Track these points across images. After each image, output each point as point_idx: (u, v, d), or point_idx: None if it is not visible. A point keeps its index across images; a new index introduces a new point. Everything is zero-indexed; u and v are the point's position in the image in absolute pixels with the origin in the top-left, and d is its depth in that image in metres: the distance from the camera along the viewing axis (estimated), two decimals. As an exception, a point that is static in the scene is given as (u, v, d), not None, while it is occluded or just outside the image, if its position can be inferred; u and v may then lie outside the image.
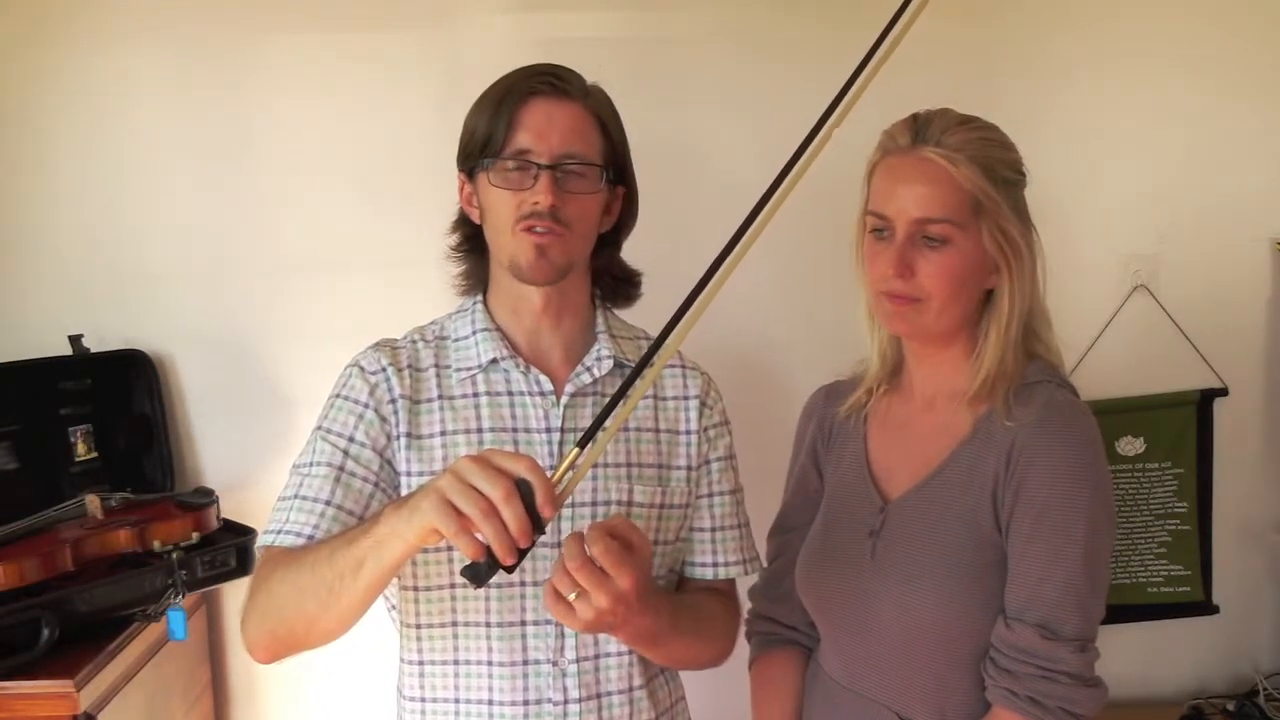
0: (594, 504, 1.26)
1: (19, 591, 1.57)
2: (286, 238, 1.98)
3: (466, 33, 1.95)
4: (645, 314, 1.40)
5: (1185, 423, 2.03)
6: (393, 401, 1.25)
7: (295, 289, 1.98)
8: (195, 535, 1.75)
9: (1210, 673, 2.12)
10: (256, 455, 1.99)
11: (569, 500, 1.16)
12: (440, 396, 1.27)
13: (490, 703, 1.24)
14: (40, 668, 1.54)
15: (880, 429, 1.37)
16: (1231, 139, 2.01)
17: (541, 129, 1.22)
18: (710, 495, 1.35)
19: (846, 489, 1.37)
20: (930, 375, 1.32)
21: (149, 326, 1.98)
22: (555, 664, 1.24)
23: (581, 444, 0.99)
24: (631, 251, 1.38)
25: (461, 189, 1.31)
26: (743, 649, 1.44)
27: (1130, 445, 2.04)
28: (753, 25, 1.96)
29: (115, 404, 1.96)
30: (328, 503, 1.20)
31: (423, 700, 1.27)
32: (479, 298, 1.33)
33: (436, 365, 1.29)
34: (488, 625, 1.23)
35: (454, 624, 1.24)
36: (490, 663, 1.24)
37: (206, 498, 1.82)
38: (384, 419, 1.25)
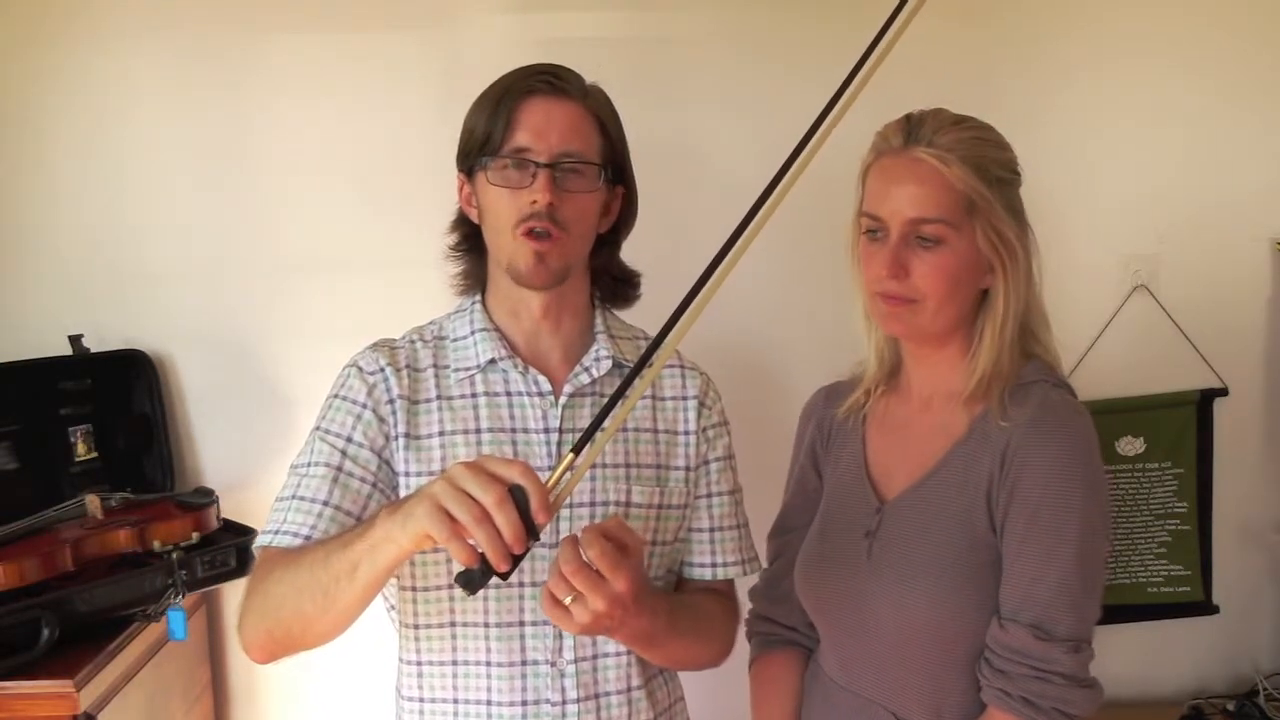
0: (592, 504, 1.26)
1: (19, 591, 1.57)
2: (286, 238, 1.98)
3: (466, 33, 1.95)
4: (645, 314, 1.40)
5: (1185, 423, 2.03)
6: (391, 402, 1.25)
7: (295, 289, 1.98)
8: (195, 535, 1.75)
9: (1210, 673, 2.11)
10: (256, 455, 1.99)
11: (567, 501, 1.16)
12: (439, 397, 1.27)
13: (489, 703, 1.24)
14: (40, 668, 1.54)
15: (878, 430, 1.37)
16: (1231, 139, 2.00)
17: (540, 128, 1.22)
18: (709, 496, 1.35)
19: (844, 490, 1.37)
20: (927, 376, 1.32)
21: (149, 326, 1.98)
22: (553, 664, 1.24)
23: (576, 449, 0.99)
24: (631, 252, 1.38)
25: (460, 189, 1.31)
26: (742, 649, 1.44)
27: (1130, 445, 2.04)
28: (753, 25, 1.96)
29: (115, 404, 1.96)
30: (325, 503, 1.20)
31: (421, 700, 1.27)
32: (477, 298, 1.33)
33: (435, 365, 1.29)
34: (486, 626, 1.23)
35: (452, 624, 1.24)
36: (489, 663, 1.24)
37: (206, 498, 1.83)
38: (382, 419, 1.25)
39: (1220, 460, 2.04)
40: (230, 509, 1.88)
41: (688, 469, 1.33)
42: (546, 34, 1.94)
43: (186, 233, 1.98)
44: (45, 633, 1.56)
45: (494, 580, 0.97)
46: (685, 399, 1.34)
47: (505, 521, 0.93)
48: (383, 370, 1.27)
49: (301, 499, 1.21)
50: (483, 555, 0.94)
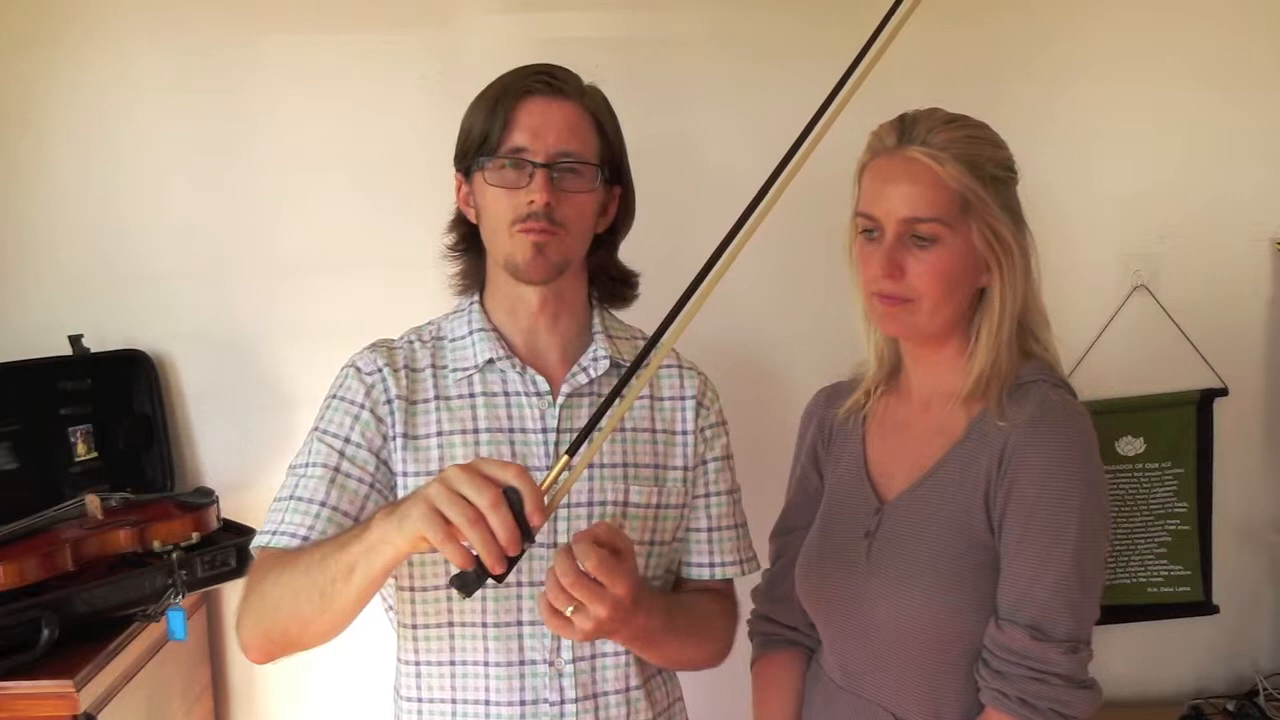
0: (590, 504, 1.26)
1: (19, 591, 1.57)
2: (286, 238, 1.98)
3: (466, 33, 1.95)
4: (643, 314, 1.40)
5: (1185, 423, 2.03)
6: (389, 402, 1.25)
7: (295, 289, 1.99)
8: (195, 535, 1.75)
9: (1210, 673, 2.11)
10: (256, 455, 1.99)
11: (565, 501, 1.16)
12: (436, 397, 1.27)
13: (487, 703, 1.24)
14: (40, 668, 1.55)
15: (878, 430, 1.37)
16: (1231, 139, 2.00)
17: (537, 128, 1.22)
18: (707, 495, 1.35)
19: (844, 490, 1.37)
20: (926, 376, 1.32)
21: (149, 326, 1.99)
22: (552, 664, 1.24)
23: (570, 451, 0.99)
24: (629, 251, 1.38)
25: (458, 189, 1.31)
26: (743, 649, 1.44)
27: (1130, 445, 2.04)
28: (752, 25, 1.96)
29: (115, 404, 1.96)
30: (323, 504, 1.20)
31: (419, 700, 1.27)
32: (476, 298, 1.33)
33: (433, 366, 1.29)
34: (484, 626, 1.23)
35: (450, 624, 1.24)
36: (487, 663, 1.24)
37: (206, 498, 1.83)
38: (380, 420, 1.25)
39: (1220, 460, 2.04)
40: (230, 509, 1.88)
41: (685, 469, 1.33)
42: (546, 34, 1.94)
43: (186, 233, 1.98)
44: (45, 633, 1.56)
45: (491, 580, 0.97)
46: (683, 399, 1.34)
47: (499, 524, 0.93)
48: (380, 371, 1.27)
49: (299, 499, 1.21)
50: (478, 558, 0.94)
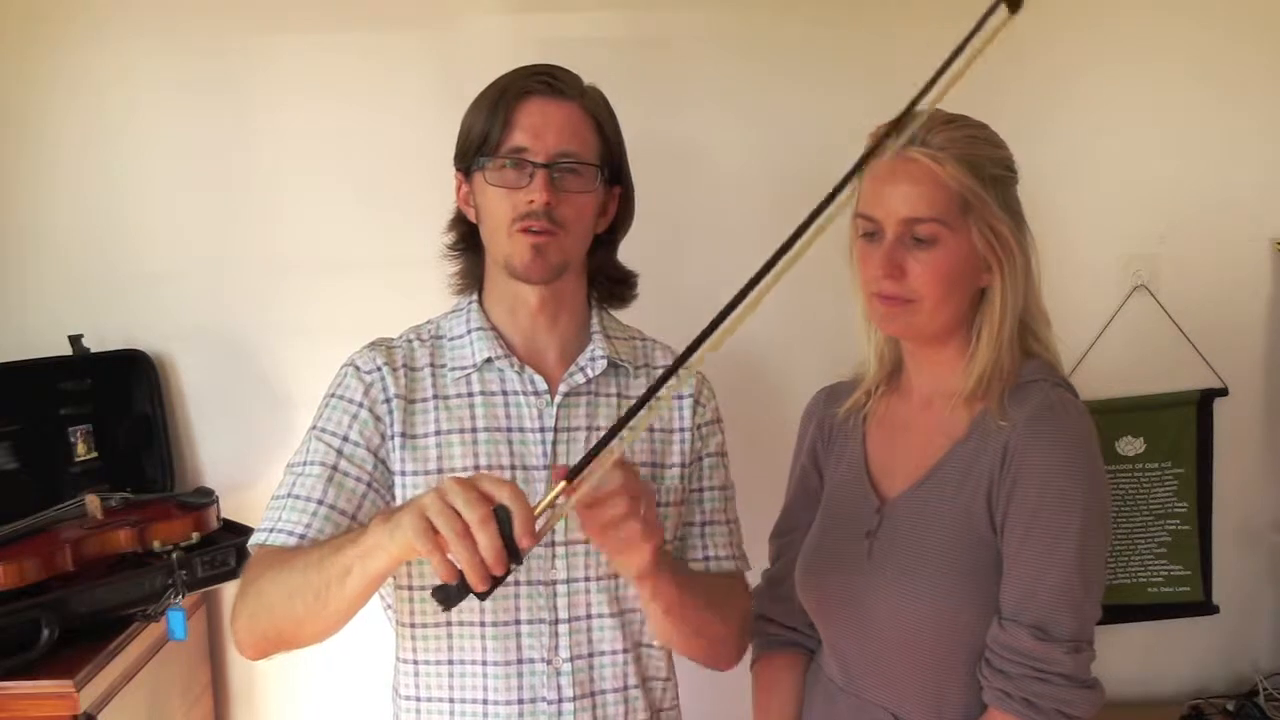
0: None
1: (19, 591, 1.57)
2: (286, 237, 1.98)
3: (466, 33, 1.95)
4: (643, 314, 1.40)
5: (1185, 423, 2.03)
6: (388, 401, 1.25)
7: (295, 289, 1.98)
8: (195, 535, 1.75)
9: (1210, 673, 2.11)
10: (256, 455, 1.99)
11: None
12: (435, 396, 1.27)
13: (485, 702, 1.24)
14: (40, 668, 1.55)
15: (879, 429, 1.37)
16: (1231, 139, 2.00)
17: (537, 128, 1.22)
18: (700, 490, 1.34)
19: (845, 489, 1.37)
20: (927, 375, 1.32)
21: (149, 326, 1.98)
22: (549, 663, 1.25)
23: (570, 477, 0.97)
24: (628, 252, 1.38)
25: (458, 188, 1.31)
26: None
27: (1130, 445, 2.03)
28: (752, 26, 1.96)
29: (115, 404, 1.96)
30: (320, 502, 1.20)
31: (418, 699, 1.27)
32: (474, 297, 1.33)
33: (432, 365, 1.29)
34: (482, 625, 1.24)
35: (448, 623, 1.24)
36: (485, 662, 1.24)
37: (206, 498, 1.83)
38: (378, 418, 1.25)
39: (1220, 460, 2.04)
40: (230, 509, 1.88)
41: (682, 465, 1.33)
42: (546, 34, 1.94)
43: (186, 233, 1.98)
44: (45, 633, 1.56)
45: (474, 597, 0.95)
46: (680, 397, 1.34)
47: (486, 541, 0.92)
48: (379, 369, 1.27)
49: (296, 498, 1.21)
50: (462, 573, 0.93)
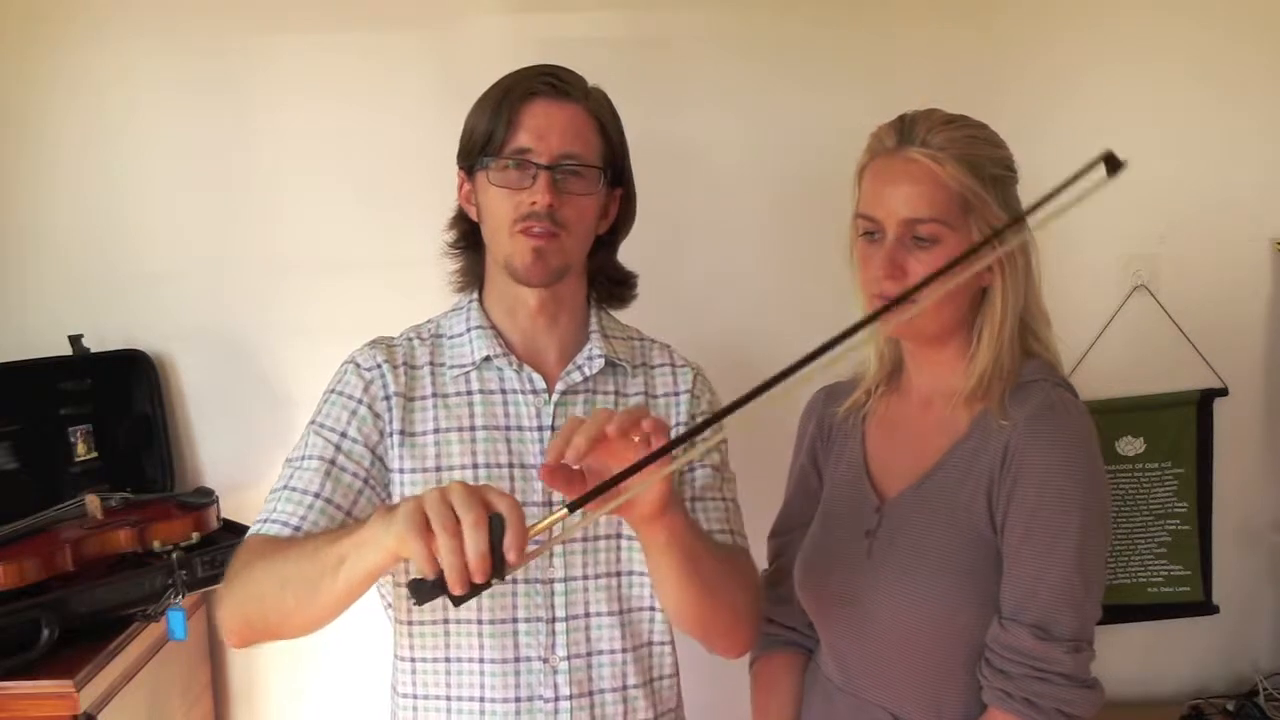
0: None
1: (19, 591, 1.57)
2: (286, 237, 1.98)
3: (466, 33, 1.95)
4: (643, 314, 1.40)
5: (1185, 423, 2.03)
6: (387, 398, 1.26)
7: (295, 288, 1.99)
8: (195, 535, 1.75)
9: (1210, 673, 2.11)
10: (256, 455, 1.99)
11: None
12: (434, 394, 1.27)
13: (482, 699, 1.24)
14: (40, 668, 1.55)
15: (878, 428, 1.37)
16: (1231, 139, 2.00)
17: (541, 129, 1.22)
18: (691, 469, 1.32)
19: (844, 489, 1.37)
20: (927, 375, 1.32)
21: (149, 326, 1.99)
22: (547, 661, 1.24)
23: (572, 507, 0.95)
24: (627, 251, 1.38)
25: (460, 187, 1.31)
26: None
27: (1130, 445, 2.03)
28: (752, 26, 1.96)
29: (115, 404, 1.96)
30: (316, 495, 1.20)
31: (415, 697, 1.27)
32: (474, 296, 1.33)
33: (431, 363, 1.29)
34: (479, 622, 1.24)
35: (445, 621, 1.24)
36: (482, 660, 1.24)
37: (206, 498, 1.83)
38: (377, 415, 1.25)
39: (1220, 460, 2.04)
40: (230, 509, 1.88)
41: (675, 459, 1.32)
42: (546, 34, 1.94)
43: (186, 233, 1.98)
44: (45, 633, 1.56)
45: (447, 599, 0.93)
46: (677, 394, 1.34)
47: (473, 543, 0.90)
48: (380, 367, 1.27)
49: (293, 490, 1.21)
50: (442, 572, 0.92)
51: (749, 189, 1.99)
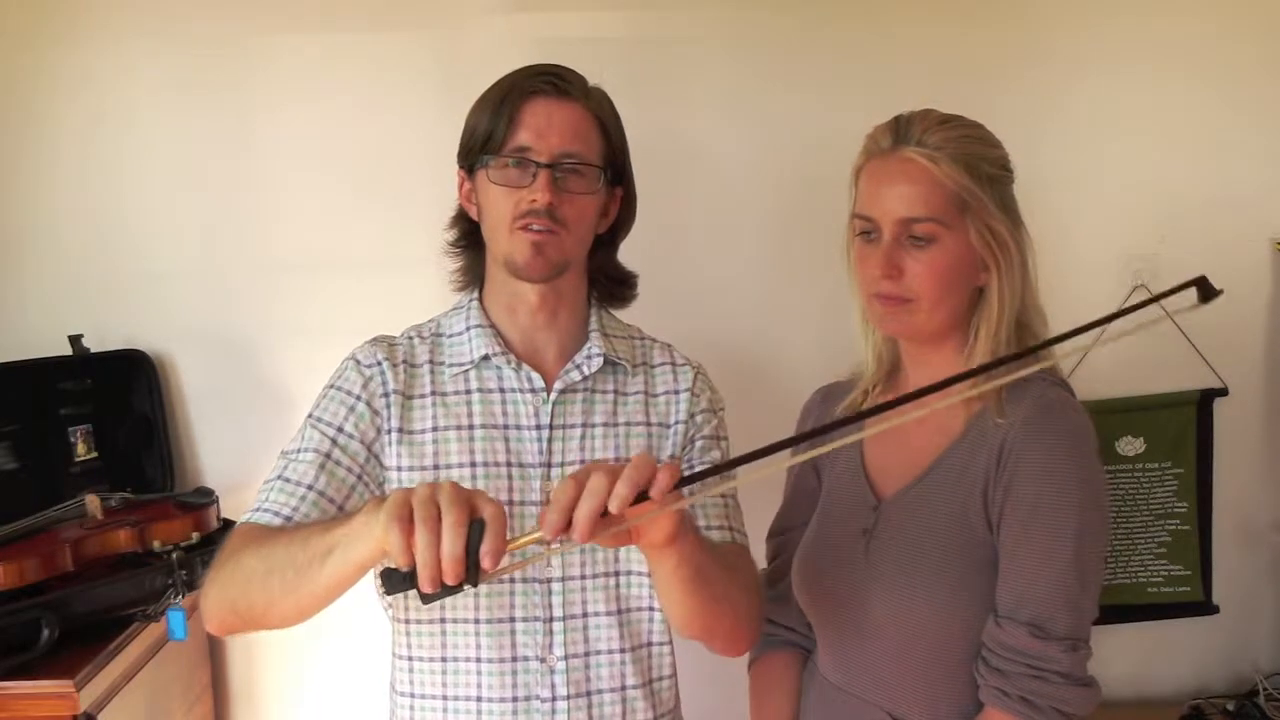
0: None
1: (19, 591, 1.57)
2: (286, 237, 1.98)
3: (466, 33, 1.95)
4: (643, 314, 1.40)
5: (1185, 423, 2.03)
6: (386, 396, 1.26)
7: (295, 289, 1.99)
8: (195, 535, 1.75)
9: (1210, 673, 2.11)
10: (256, 455, 1.97)
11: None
12: (433, 392, 1.27)
13: (479, 699, 1.24)
14: (40, 668, 1.55)
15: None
16: (1231, 139, 2.00)
17: (542, 128, 1.22)
18: (690, 466, 1.32)
19: (842, 488, 1.37)
20: (925, 374, 1.32)
21: (149, 326, 1.99)
22: (544, 661, 1.25)
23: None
24: (626, 250, 1.38)
25: (461, 186, 1.32)
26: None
27: (1130, 445, 2.03)
28: (753, 25, 1.96)
29: (115, 404, 1.96)
30: (310, 487, 1.21)
31: (412, 696, 1.28)
32: (475, 295, 1.33)
33: (431, 362, 1.30)
34: (476, 622, 1.24)
35: (443, 620, 1.25)
36: (479, 659, 1.24)
37: (206, 498, 1.83)
38: (376, 412, 1.25)
39: (1220, 460, 2.04)
40: (230, 509, 1.88)
41: (674, 457, 1.32)
42: (546, 34, 1.94)
43: (186, 232, 1.98)
44: (45, 633, 1.56)
45: (415, 594, 0.92)
46: (677, 393, 1.34)
47: (450, 542, 0.89)
48: (379, 364, 1.27)
49: (287, 480, 1.22)
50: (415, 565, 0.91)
51: (749, 188, 1.99)
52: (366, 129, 1.96)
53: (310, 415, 1.27)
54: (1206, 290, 1.06)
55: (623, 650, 1.28)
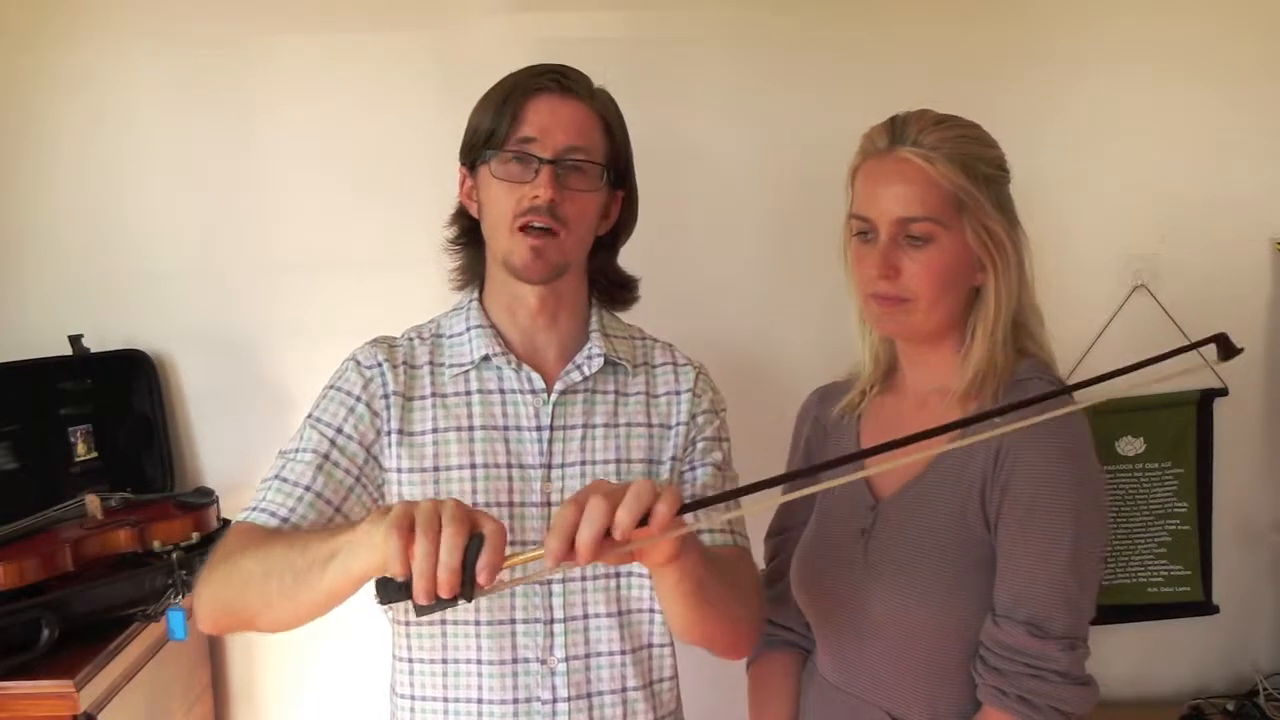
0: None
1: (19, 591, 1.57)
2: (286, 237, 1.98)
3: (466, 33, 1.95)
4: (644, 314, 1.40)
5: (1185, 423, 2.03)
6: (386, 397, 1.26)
7: (295, 289, 1.99)
8: (195, 535, 1.75)
9: (1210, 673, 2.11)
10: (256, 455, 1.97)
11: (560, 489, 1.19)
12: (433, 394, 1.27)
13: (479, 701, 1.24)
14: (40, 668, 1.55)
15: (873, 428, 1.37)
16: (1231, 139, 2.00)
17: (545, 124, 1.22)
18: (692, 468, 1.31)
19: (840, 488, 1.36)
20: (922, 374, 1.32)
21: (149, 326, 1.99)
22: (544, 663, 1.24)
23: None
24: (627, 251, 1.38)
25: (462, 183, 1.31)
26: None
27: (1130, 445, 2.03)
28: (753, 25, 1.96)
29: (115, 404, 1.96)
30: (307, 488, 1.20)
31: (413, 698, 1.27)
32: (475, 295, 1.33)
33: (431, 363, 1.29)
34: (477, 623, 1.24)
35: (443, 622, 1.24)
36: (479, 661, 1.24)
37: (206, 498, 1.83)
38: (375, 414, 1.25)
39: (1220, 460, 2.04)
40: (230, 509, 1.88)
41: (675, 459, 1.32)
42: (546, 34, 1.94)
43: (186, 232, 1.98)
44: (45, 633, 1.56)
45: (410, 605, 0.92)
46: (678, 393, 1.34)
47: (447, 552, 0.89)
48: (380, 365, 1.27)
49: (284, 480, 1.21)
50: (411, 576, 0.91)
51: (749, 188, 1.99)
52: (366, 129, 1.96)
53: (310, 415, 1.27)
54: (1226, 348, 1.11)
55: (623, 652, 1.27)
